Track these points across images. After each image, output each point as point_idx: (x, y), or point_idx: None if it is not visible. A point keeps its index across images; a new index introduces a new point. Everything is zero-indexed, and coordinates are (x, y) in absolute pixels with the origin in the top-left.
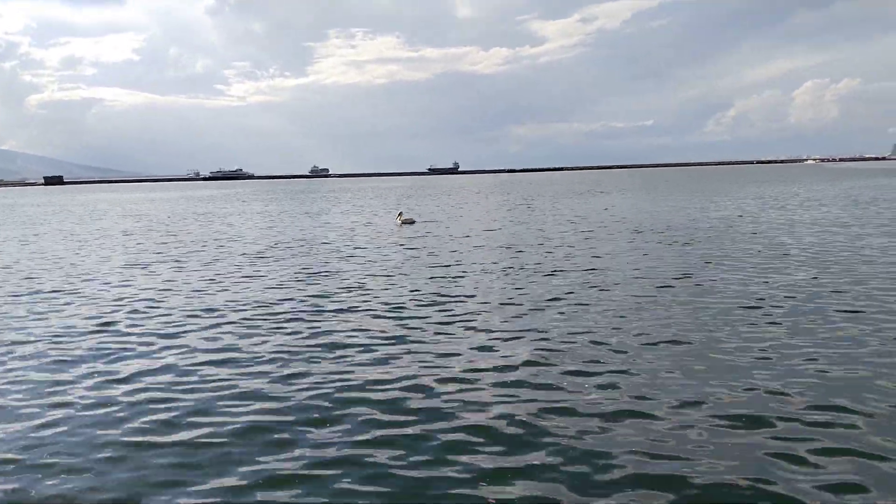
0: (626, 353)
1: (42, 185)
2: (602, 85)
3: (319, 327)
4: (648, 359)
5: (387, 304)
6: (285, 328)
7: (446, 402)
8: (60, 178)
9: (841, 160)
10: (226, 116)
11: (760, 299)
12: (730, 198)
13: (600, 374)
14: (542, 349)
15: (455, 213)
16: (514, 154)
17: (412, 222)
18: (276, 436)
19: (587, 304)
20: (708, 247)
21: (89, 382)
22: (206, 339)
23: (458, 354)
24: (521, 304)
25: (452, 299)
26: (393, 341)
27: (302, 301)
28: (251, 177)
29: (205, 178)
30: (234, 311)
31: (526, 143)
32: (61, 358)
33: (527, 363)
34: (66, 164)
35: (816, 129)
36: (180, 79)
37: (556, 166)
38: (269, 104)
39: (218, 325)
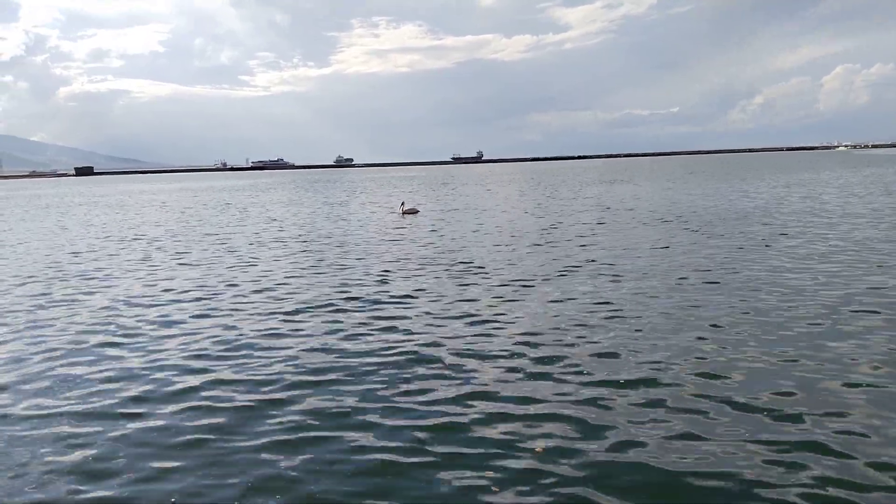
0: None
1: (73, 175)
2: (626, 72)
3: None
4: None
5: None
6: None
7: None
8: (91, 168)
9: (874, 146)
10: (250, 107)
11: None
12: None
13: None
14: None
15: (468, 202)
16: (538, 142)
17: (415, 212)
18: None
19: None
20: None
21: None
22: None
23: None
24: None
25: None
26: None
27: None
28: (292, 166)
29: (246, 168)
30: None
31: (549, 131)
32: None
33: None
34: (94, 155)
35: (846, 115)
36: (205, 70)
37: (580, 154)
38: (292, 94)
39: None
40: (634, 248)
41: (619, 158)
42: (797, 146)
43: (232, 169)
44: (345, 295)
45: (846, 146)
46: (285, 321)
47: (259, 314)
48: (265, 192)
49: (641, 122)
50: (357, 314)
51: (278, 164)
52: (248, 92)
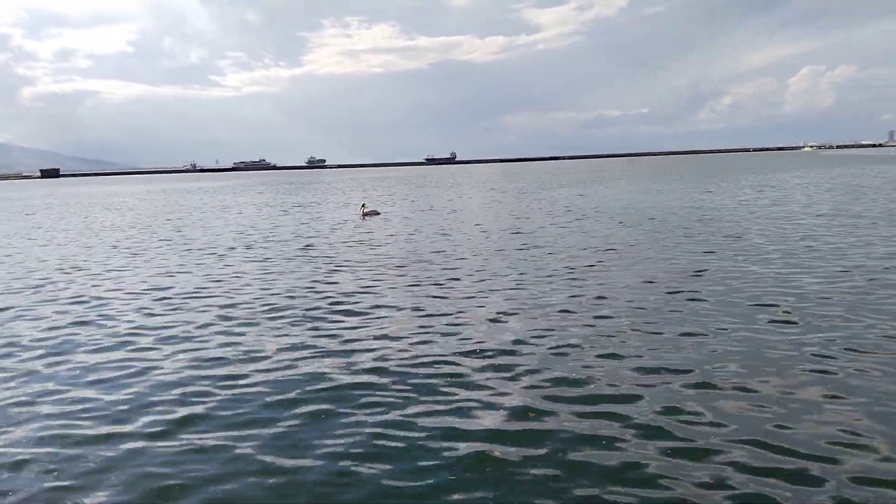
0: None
1: (39, 177)
2: (598, 73)
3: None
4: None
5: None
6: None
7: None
8: (57, 170)
9: (838, 147)
10: (221, 107)
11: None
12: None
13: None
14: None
15: (433, 203)
16: (513, 144)
17: (376, 214)
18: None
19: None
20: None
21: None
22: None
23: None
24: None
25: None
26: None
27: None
28: (274, 167)
29: (220, 170)
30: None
31: (523, 132)
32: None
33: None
34: (62, 157)
35: (812, 116)
36: (175, 70)
37: (553, 155)
38: (264, 94)
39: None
40: (598, 251)
41: (591, 159)
42: (764, 147)
43: (202, 170)
44: (283, 296)
45: (812, 147)
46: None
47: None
48: (229, 195)
49: (613, 123)
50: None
51: (259, 165)
52: (219, 92)
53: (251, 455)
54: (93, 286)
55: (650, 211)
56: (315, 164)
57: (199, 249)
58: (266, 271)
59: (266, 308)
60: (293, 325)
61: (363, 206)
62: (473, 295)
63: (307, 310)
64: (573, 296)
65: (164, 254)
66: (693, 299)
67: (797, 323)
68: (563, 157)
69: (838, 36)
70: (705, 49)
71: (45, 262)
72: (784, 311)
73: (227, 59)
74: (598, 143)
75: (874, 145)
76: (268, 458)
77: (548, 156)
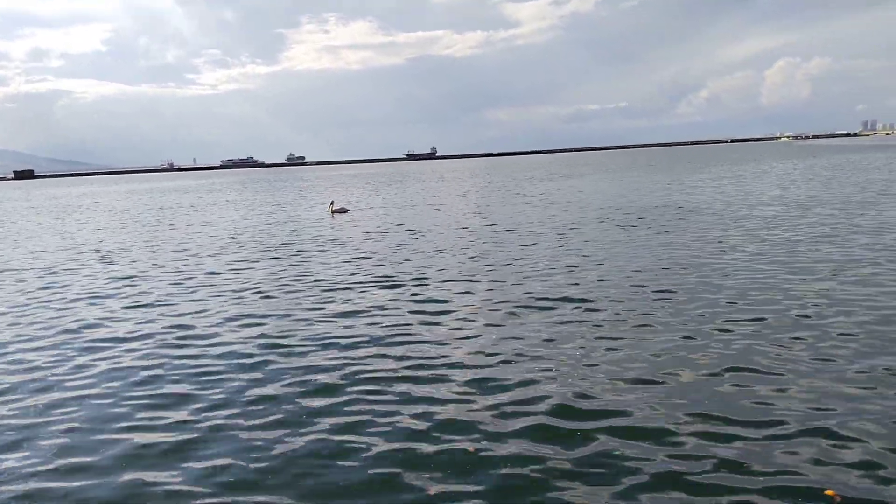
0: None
1: (13, 179)
2: (576, 68)
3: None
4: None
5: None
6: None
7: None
8: (31, 171)
9: (814, 137)
10: (198, 105)
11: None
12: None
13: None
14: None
15: (402, 199)
16: (495, 138)
17: (345, 211)
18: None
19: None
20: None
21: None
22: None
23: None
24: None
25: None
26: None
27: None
28: (262, 164)
29: (216, 168)
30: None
31: (504, 126)
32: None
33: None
34: (36, 158)
35: (788, 107)
36: (150, 69)
37: (535, 149)
38: (241, 92)
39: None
40: (566, 249)
41: (572, 153)
42: (742, 138)
43: (180, 169)
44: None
45: (788, 137)
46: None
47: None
48: (204, 194)
49: (593, 117)
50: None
51: (247, 163)
52: (196, 90)
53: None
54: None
55: (629, 205)
56: (294, 162)
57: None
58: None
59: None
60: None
61: (331, 203)
62: (430, 295)
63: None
64: (533, 295)
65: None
66: (662, 290)
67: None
68: (545, 151)
69: (815, 29)
70: (683, 43)
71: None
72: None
73: (203, 57)
74: (580, 137)
75: (848, 135)
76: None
77: (530, 150)
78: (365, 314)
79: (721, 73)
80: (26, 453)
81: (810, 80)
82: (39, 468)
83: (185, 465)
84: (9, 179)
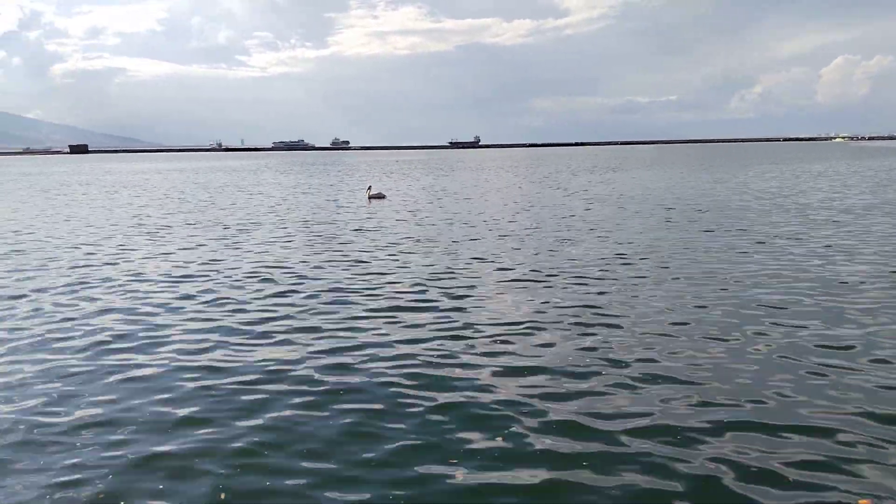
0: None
1: (67, 153)
2: (626, 58)
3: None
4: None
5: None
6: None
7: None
8: (85, 146)
9: (871, 138)
10: (247, 87)
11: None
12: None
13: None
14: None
15: (444, 187)
16: (537, 128)
17: (382, 197)
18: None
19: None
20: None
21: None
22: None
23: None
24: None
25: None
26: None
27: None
28: (313, 147)
29: (267, 149)
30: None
31: (548, 116)
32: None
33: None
34: (90, 133)
35: (845, 106)
36: (203, 49)
37: (579, 141)
38: (290, 75)
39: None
40: (608, 251)
41: (618, 146)
42: (794, 136)
43: (227, 150)
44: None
45: (843, 138)
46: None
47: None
48: (248, 174)
49: (641, 109)
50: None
51: (298, 146)
52: (245, 72)
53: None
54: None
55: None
56: (339, 146)
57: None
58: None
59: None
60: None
61: (369, 188)
62: (465, 283)
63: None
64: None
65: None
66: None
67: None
68: (591, 143)
69: (877, 25)
70: (737, 36)
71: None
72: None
73: (254, 40)
74: (626, 130)
75: None
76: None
77: (574, 141)
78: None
79: (775, 68)
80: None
81: (870, 79)
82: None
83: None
84: (64, 153)
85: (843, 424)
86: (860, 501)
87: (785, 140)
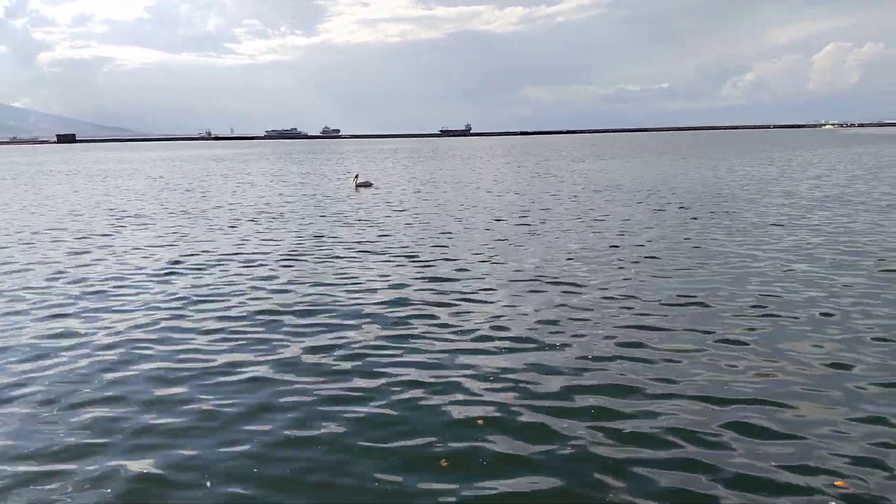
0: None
1: (55, 142)
2: (618, 47)
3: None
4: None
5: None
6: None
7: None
8: (73, 136)
9: (860, 125)
10: (236, 75)
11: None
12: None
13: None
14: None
15: (432, 176)
16: (528, 116)
17: (368, 185)
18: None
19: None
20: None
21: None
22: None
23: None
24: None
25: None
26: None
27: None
28: (306, 136)
29: (259, 138)
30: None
31: (540, 105)
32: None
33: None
34: (78, 122)
35: (836, 94)
36: (191, 37)
37: (571, 129)
38: (279, 63)
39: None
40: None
41: (609, 134)
42: (785, 124)
43: (217, 138)
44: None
45: (833, 125)
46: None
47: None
48: (237, 163)
49: (633, 98)
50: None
51: (291, 134)
52: (234, 60)
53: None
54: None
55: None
56: (330, 135)
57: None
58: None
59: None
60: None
61: (356, 176)
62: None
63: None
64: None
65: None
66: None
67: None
68: (582, 131)
69: (869, 12)
70: (729, 24)
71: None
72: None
73: (243, 27)
74: (618, 118)
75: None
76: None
77: (566, 129)
78: (355, 290)
79: (768, 56)
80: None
81: (861, 67)
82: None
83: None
84: (51, 143)
85: (822, 410)
86: (837, 482)
87: (776, 127)
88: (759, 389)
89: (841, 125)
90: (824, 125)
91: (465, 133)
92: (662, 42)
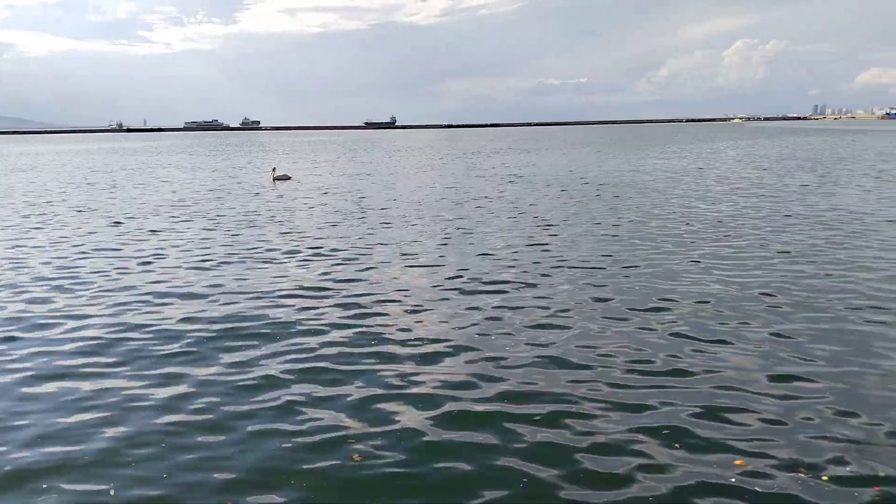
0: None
1: None
2: (539, 41)
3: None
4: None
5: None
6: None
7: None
8: None
9: (766, 119)
10: (152, 65)
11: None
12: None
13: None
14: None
15: (352, 170)
16: (453, 109)
17: (287, 178)
18: None
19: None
20: None
21: None
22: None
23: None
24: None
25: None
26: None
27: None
28: (227, 128)
29: (178, 129)
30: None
31: (465, 97)
32: None
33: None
34: None
35: (745, 89)
36: (101, 24)
37: (495, 122)
38: (197, 52)
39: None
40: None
41: (532, 127)
42: (697, 118)
43: (129, 130)
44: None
45: (740, 118)
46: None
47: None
48: (150, 156)
49: (554, 91)
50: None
51: (213, 126)
52: (148, 48)
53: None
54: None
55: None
56: (249, 126)
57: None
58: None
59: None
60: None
61: (273, 170)
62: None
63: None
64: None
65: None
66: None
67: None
68: (506, 125)
69: (774, 10)
70: (646, 20)
71: None
72: None
73: (157, 14)
74: (540, 111)
75: (798, 118)
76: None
77: (490, 122)
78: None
79: (681, 51)
80: None
81: (766, 63)
82: None
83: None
84: None
85: (717, 388)
86: (736, 461)
87: (688, 121)
88: (673, 377)
89: (748, 119)
90: (733, 119)
91: (391, 125)
92: (581, 37)
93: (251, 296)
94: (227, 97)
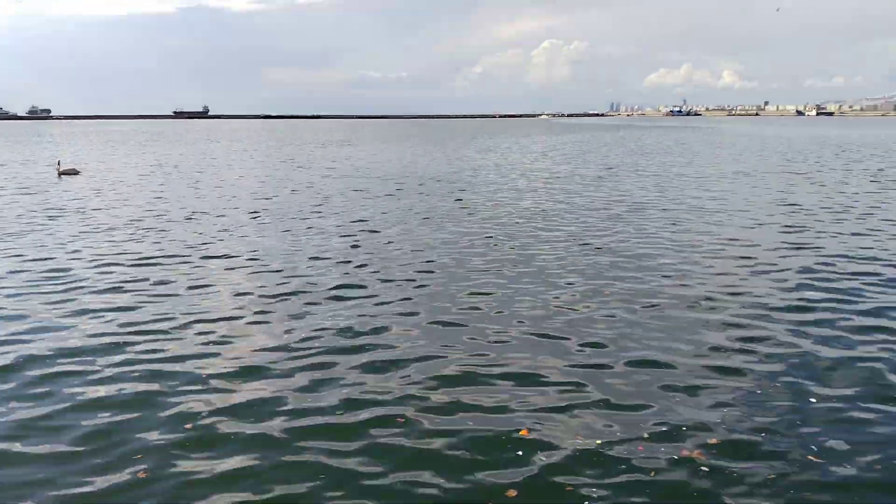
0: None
1: None
2: (361, 34)
3: None
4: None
5: None
6: None
7: None
8: None
9: (570, 115)
10: None
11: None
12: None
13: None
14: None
15: (152, 162)
16: (270, 99)
17: (75, 173)
18: None
19: None
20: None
21: None
22: None
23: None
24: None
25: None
26: None
27: None
28: (14, 116)
29: None
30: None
31: (282, 88)
32: None
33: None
34: None
35: (552, 86)
36: None
37: (315, 114)
38: None
39: None
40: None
41: (352, 120)
42: (509, 114)
43: None
44: None
45: (547, 115)
46: None
47: None
48: None
49: (376, 85)
50: None
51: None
52: None
53: None
54: None
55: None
56: (38, 115)
57: None
58: None
59: None
60: None
61: (58, 163)
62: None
63: None
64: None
65: None
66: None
67: None
68: (326, 116)
69: (577, 12)
70: (463, 17)
71: None
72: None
73: None
74: (361, 104)
75: (597, 115)
76: None
77: (309, 114)
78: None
79: (494, 50)
80: None
81: (570, 63)
82: None
83: None
84: None
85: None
86: (521, 431)
87: (501, 117)
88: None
89: (554, 115)
90: (540, 115)
91: (203, 115)
92: (402, 32)
93: None
94: (14, 83)
